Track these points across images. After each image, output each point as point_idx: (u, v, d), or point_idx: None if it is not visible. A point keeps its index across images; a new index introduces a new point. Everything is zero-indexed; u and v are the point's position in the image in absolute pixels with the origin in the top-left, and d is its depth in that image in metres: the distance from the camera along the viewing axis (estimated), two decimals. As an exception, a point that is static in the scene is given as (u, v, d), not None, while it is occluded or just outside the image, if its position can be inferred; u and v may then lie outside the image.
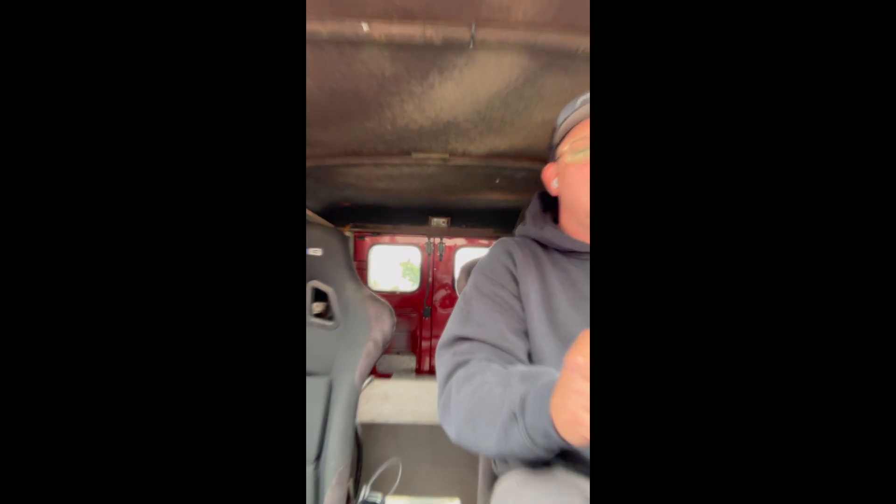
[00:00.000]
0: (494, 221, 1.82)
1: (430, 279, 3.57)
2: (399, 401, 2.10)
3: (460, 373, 0.59)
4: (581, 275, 0.69)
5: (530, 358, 0.66)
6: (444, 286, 3.60)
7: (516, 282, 0.69)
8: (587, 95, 0.67)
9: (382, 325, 1.09)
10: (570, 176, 0.68)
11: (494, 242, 0.78)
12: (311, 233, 1.14)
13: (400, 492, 1.71)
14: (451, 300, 3.55)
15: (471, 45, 0.60)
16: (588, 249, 0.69)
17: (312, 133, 0.97)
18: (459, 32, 0.58)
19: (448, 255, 3.58)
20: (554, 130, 0.74)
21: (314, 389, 1.01)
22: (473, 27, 0.58)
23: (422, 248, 3.57)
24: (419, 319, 3.55)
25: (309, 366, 1.05)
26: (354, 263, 1.34)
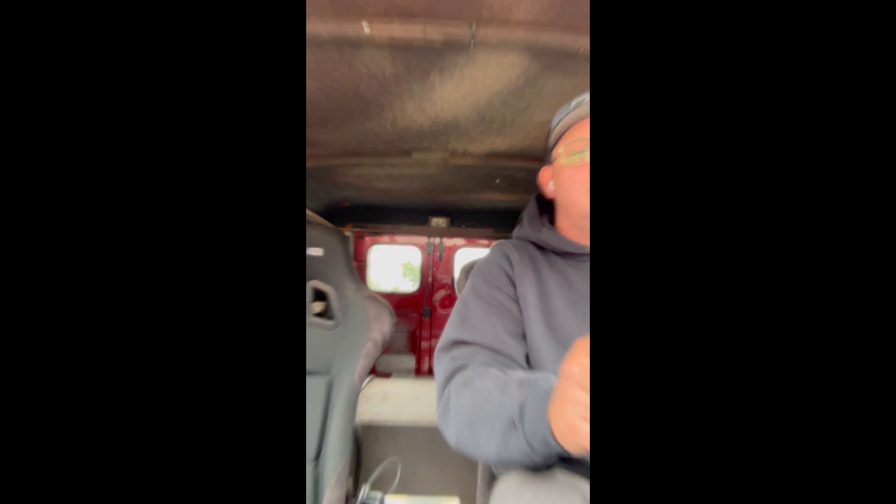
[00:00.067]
0: (494, 222, 1.82)
1: (430, 279, 3.57)
2: (398, 401, 2.11)
3: (459, 377, 0.59)
4: (578, 277, 0.69)
5: (528, 360, 0.66)
6: (443, 286, 3.60)
7: (513, 284, 0.69)
8: (581, 98, 0.67)
9: (382, 325, 1.09)
10: (566, 178, 0.68)
11: (493, 245, 0.78)
12: (311, 233, 1.14)
13: (399, 491, 1.71)
14: (450, 300, 3.55)
15: (471, 46, 0.60)
16: (584, 251, 0.69)
17: (312, 133, 0.97)
18: (460, 32, 0.58)
19: (448, 256, 3.58)
20: (549, 133, 0.74)
21: (313, 389, 1.01)
22: (474, 27, 0.58)
23: (422, 248, 3.57)
24: (419, 319, 3.55)
25: (308, 365, 1.05)
26: (354, 263, 1.34)
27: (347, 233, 1.87)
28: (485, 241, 3.42)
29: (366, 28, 0.57)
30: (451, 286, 3.57)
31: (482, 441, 0.53)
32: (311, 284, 1.10)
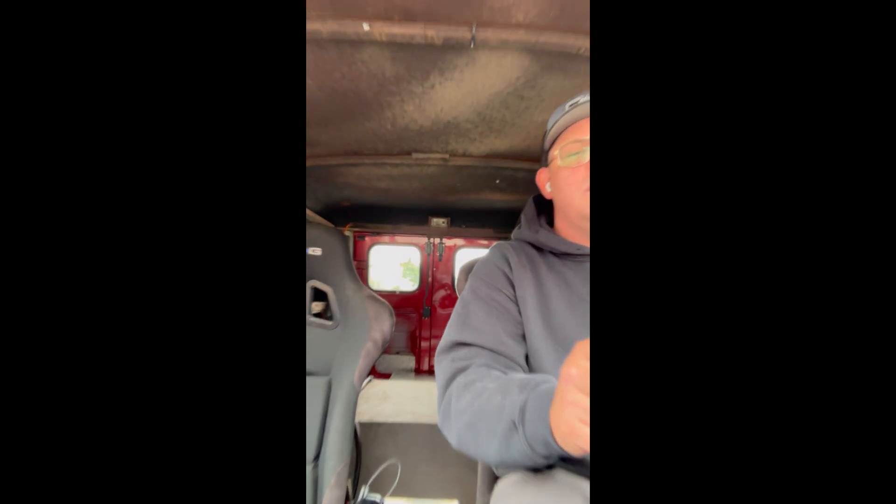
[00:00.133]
0: (494, 222, 1.82)
1: (430, 279, 3.58)
2: (398, 401, 2.10)
3: (460, 379, 0.59)
4: (576, 277, 0.69)
5: (528, 361, 0.66)
6: (443, 286, 3.60)
7: (512, 286, 0.69)
8: (575, 99, 0.67)
9: (382, 324, 1.09)
10: (562, 180, 0.69)
11: (492, 246, 0.78)
12: (310, 232, 1.14)
13: (399, 492, 1.71)
14: (450, 300, 3.55)
15: (471, 46, 0.60)
16: (582, 251, 0.70)
17: (312, 133, 0.97)
18: (460, 33, 0.58)
19: (448, 256, 3.58)
20: (544, 135, 0.74)
21: (313, 389, 1.01)
22: (474, 28, 0.58)
23: (421, 248, 3.57)
24: (418, 319, 3.55)
25: (308, 366, 1.05)
26: (354, 263, 1.34)
27: (347, 233, 1.87)
28: (484, 242, 3.43)
29: (366, 28, 0.57)
30: (451, 286, 3.57)
31: (483, 443, 0.53)
32: (311, 284, 1.10)
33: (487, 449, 0.53)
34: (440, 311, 3.55)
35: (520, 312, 0.68)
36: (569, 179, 0.67)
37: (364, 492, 1.18)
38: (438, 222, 1.81)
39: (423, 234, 3.02)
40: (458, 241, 3.58)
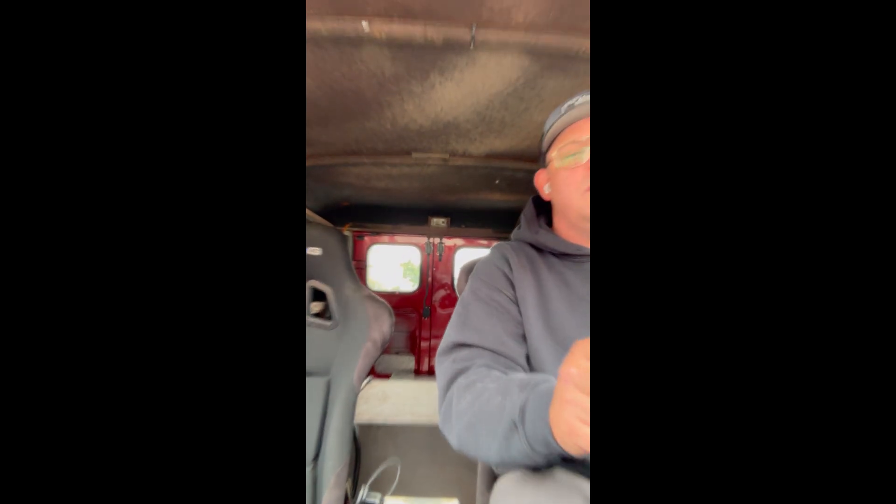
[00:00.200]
0: (494, 222, 1.82)
1: (430, 279, 3.57)
2: (398, 401, 2.10)
3: (461, 380, 0.59)
4: (576, 277, 0.69)
5: (528, 361, 0.66)
6: (443, 286, 3.60)
7: (512, 286, 0.70)
8: (572, 100, 0.67)
9: (381, 325, 1.09)
10: (561, 181, 0.69)
11: (492, 247, 0.78)
12: (310, 232, 1.14)
13: (398, 492, 1.71)
14: (450, 300, 3.55)
15: (471, 46, 0.60)
16: (582, 252, 0.70)
17: (312, 132, 0.97)
18: (460, 33, 0.58)
19: (447, 256, 3.58)
20: (542, 137, 0.74)
21: (312, 389, 1.01)
22: (474, 28, 0.58)
23: (421, 248, 3.57)
24: (418, 319, 3.55)
25: (307, 366, 1.05)
26: (354, 263, 1.34)
27: (346, 232, 1.87)
28: (484, 242, 3.43)
29: (365, 27, 0.57)
30: (451, 286, 3.57)
31: (484, 443, 0.53)
32: (310, 284, 1.10)
33: (488, 449, 0.53)
34: (440, 311, 3.55)
35: (520, 313, 0.68)
36: (567, 180, 0.67)
37: (363, 492, 1.18)
38: (438, 222, 1.81)
39: (422, 234, 3.02)
40: (458, 241, 3.58)
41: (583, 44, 0.60)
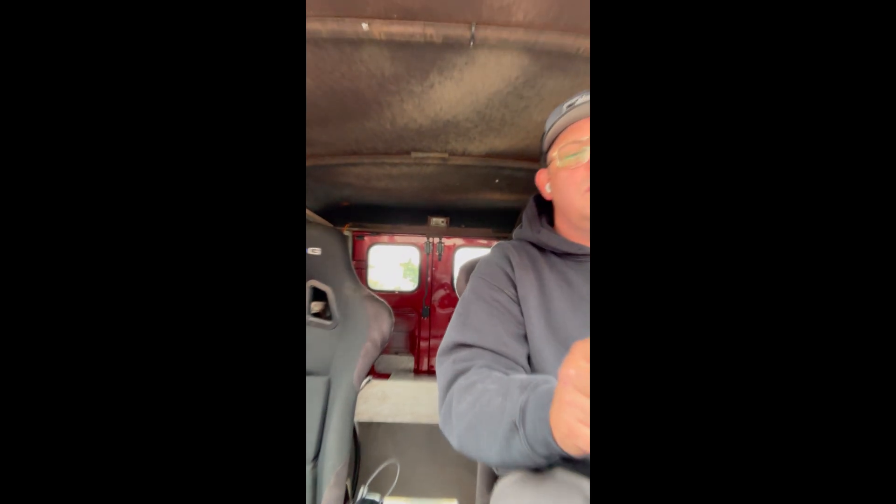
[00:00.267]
0: (493, 221, 1.82)
1: (429, 279, 3.57)
2: (397, 401, 2.10)
3: (461, 381, 0.59)
4: (577, 277, 0.69)
5: (530, 361, 0.66)
6: (442, 286, 3.60)
7: (514, 286, 0.69)
8: (572, 100, 0.67)
9: (381, 324, 1.09)
10: (562, 181, 0.69)
11: (493, 246, 0.78)
12: (309, 232, 1.14)
13: (398, 492, 1.71)
14: (449, 300, 3.55)
15: (471, 45, 0.60)
16: (583, 251, 0.70)
17: (312, 132, 0.97)
18: (459, 32, 0.58)
19: (447, 255, 3.58)
20: (542, 136, 0.74)
21: (312, 389, 1.01)
22: (473, 27, 0.58)
23: (421, 247, 3.57)
24: (418, 319, 3.55)
25: (307, 365, 1.05)
26: (353, 263, 1.34)
27: (346, 232, 1.87)
28: (484, 241, 3.43)
29: (365, 27, 0.57)
30: (451, 286, 3.57)
31: (484, 444, 0.53)
32: (310, 284, 1.10)
33: (489, 450, 0.53)
34: (439, 310, 3.55)
35: (521, 313, 0.67)
36: (568, 180, 0.67)
37: (363, 491, 1.18)
38: (438, 222, 1.81)
39: (422, 234, 3.02)
40: (458, 241, 3.58)
41: (583, 43, 0.60)
